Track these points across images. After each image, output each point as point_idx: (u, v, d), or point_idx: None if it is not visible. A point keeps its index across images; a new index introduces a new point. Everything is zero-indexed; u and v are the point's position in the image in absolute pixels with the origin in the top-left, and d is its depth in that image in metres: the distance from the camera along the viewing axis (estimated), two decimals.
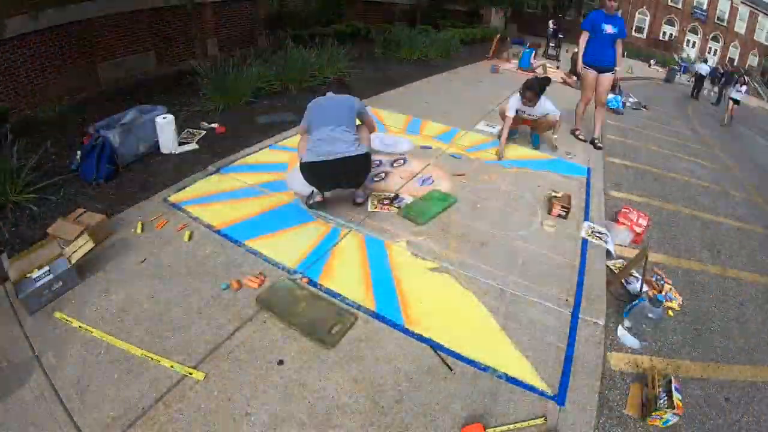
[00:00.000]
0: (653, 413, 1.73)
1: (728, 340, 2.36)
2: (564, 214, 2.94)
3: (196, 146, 3.72)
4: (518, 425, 1.56)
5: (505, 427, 1.55)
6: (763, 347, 2.36)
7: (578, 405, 1.66)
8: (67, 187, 3.00)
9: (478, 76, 7.73)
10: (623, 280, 2.56)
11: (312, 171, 2.55)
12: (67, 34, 5.16)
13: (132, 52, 6.06)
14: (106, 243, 2.37)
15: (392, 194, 3.04)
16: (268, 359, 1.74)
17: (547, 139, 4.28)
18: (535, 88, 3.77)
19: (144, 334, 1.82)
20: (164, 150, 3.60)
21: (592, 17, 4.35)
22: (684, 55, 18.93)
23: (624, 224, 3.06)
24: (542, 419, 1.59)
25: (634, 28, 26.15)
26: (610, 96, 7.37)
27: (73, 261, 2.12)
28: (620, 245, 2.94)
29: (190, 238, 2.43)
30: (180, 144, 3.68)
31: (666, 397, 1.73)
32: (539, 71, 8.88)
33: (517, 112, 3.93)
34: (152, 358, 1.69)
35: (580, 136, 4.65)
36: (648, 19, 26.27)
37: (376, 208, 2.86)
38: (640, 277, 2.50)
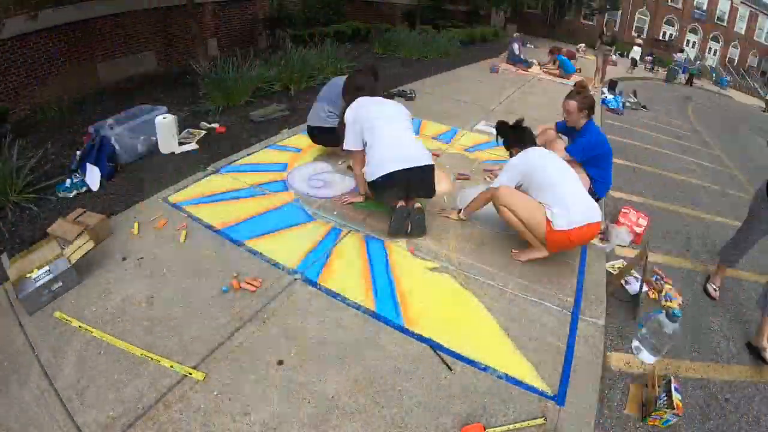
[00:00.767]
0: (653, 413, 1.73)
1: (728, 340, 2.36)
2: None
3: (196, 146, 3.72)
4: (518, 425, 1.56)
5: (505, 427, 1.55)
6: None
7: (578, 405, 1.66)
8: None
9: (478, 76, 7.74)
10: (623, 281, 2.56)
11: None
12: (67, 34, 5.17)
13: (132, 52, 6.07)
14: (106, 243, 2.37)
15: None
16: (268, 359, 1.74)
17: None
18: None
19: (144, 334, 1.82)
20: (164, 150, 3.60)
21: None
22: (684, 56, 18.94)
23: (624, 224, 3.06)
24: (542, 419, 1.59)
25: (634, 28, 26.17)
26: (610, 96, 7.39)
27: (73, 261, 2.12)
28: (620, 245, 2.94)
29: (186, 238, 2.43)
30: (180, 144, 3.68)
31: (666, 397, 1.73)
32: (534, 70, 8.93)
33: None
34: (152, 358, 1.69)
35: None
36: (648, 19, 26.29)
37: None
38: (640, 277, 2.50)
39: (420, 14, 11.54)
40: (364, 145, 2.53)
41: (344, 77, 3.02)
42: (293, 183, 3.11)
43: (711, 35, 26.32)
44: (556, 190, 2.27)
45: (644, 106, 7.74)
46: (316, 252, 2.39)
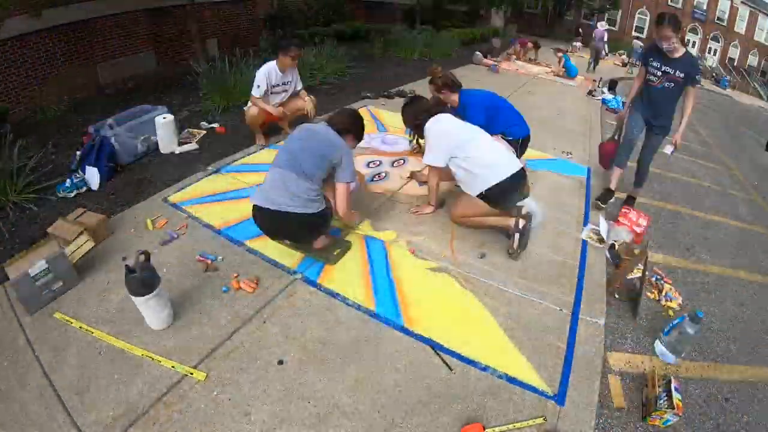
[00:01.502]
0: (653, 413, 1.73)
1: (728, 340, 2.36)
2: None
3: (196, 146, 3.72)
4: (518, 425, 1.56)
5: (504, 427, 1.55)
6: (763, 347, 2.36)
7: (578, 405, 1.66)
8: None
9: (477, 76, 7.73)
10: (624, 280, 2.55)
11: (255, 214, 2.18)
12: (67, 34, 5.17)
13: (132, 52, 6.07)
14: (106, 243, 2.37)
15: None
16: (268, 359, 1.74)
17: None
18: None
19: (144, 334, 1.82)
20: (164, 150, 3.60)
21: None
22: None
23: (624, 224, 3.06)
24: (542, 419, 1.59)
25: (634, 28, 26.16)
26: (610, 96, 7.38)
27: (74, 261, 2.12)
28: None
29: (153, 225, 2.53)
30: (180, 144, 3.68)
31: (666, 397, 1.73)
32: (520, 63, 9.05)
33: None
34: (153, 358, 1.69)
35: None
36: (648, 19, 26.27)
37: None
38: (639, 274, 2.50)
39: (420, 14, 11.53)
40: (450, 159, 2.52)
41: (328, 127, 2.28)
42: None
43: (711, 35, 26.30)
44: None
45: None
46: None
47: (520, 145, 3.28)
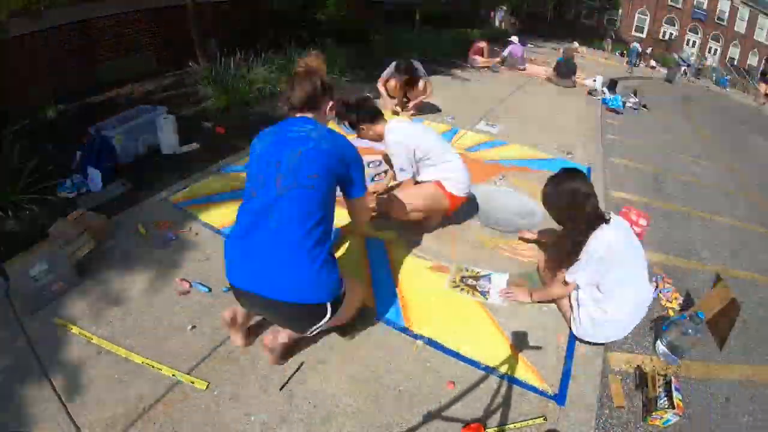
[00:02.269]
0: (653, 413, 1.73)
1: (728, 339, 2.36)
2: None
3: (197, 146, 3.72)
4: (518, 425, 1.56)
5: (504, 427, 1.55)
6: (763, 347, 2.36)
7: (578, 405, 1.66)
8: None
9: (478, 76, 7.74)
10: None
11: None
12: (68, 35, 5.17)
13: (132, 52, 6.06)
14: (107, 243, 2.37)
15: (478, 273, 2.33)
16: (268, 359, 1.73)
17: None
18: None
19: (144, 334, 1.82)
20: (165, 150, 3.60)
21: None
22: (684, 54, 18.94)
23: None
24: (542, 419, 1.59)
25: (634, 28, 26.17)
26: (610, 96, 7.37)
27: (74, 261, 2.13)
28: None
29: (146, 230, 2.47)
30: (180, 144, 3.68)
31: (666, 397, 1.73)
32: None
33: None
34: (153, 366, 1.68)
35: None
36: (648, 18, 26.28)
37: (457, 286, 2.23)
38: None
39: (421, 14, 11.52)
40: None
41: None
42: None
43: (711, 35, 26.30)
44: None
45: (644, 106, 7.72)
46: None
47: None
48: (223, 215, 2.66)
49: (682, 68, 15.75)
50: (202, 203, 2.79)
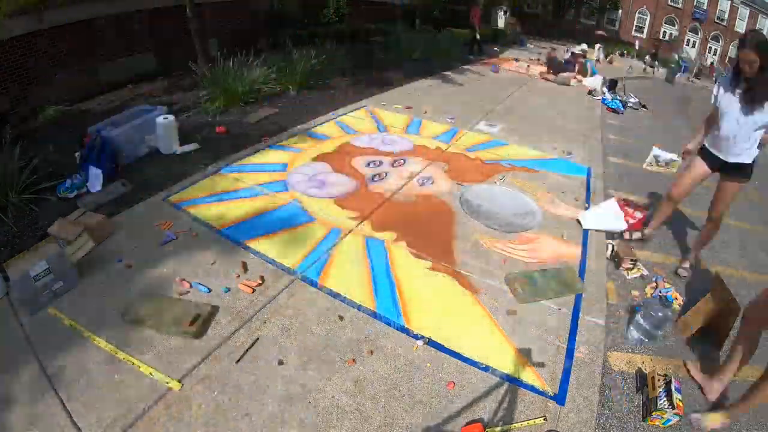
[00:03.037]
0: (653, 413, 1.73)
1: (728, 339, 2.35)
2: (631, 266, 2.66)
3: (197, 146, 3.72)
4: (518, 425, 1.56)
5: (505, 427, 1.55)
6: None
7: (578, 405, 1.66)
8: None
9: (478, 76, 7.74)
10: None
11: None
12: (68, 35, 5.17)
13: (132, 52, 6.07)
14: (107, 243, 2.37)
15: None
16: (268, 359, 1.74)
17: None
18: None
19: (143, 334, 1.82)
20: (164, 150, 3.60)
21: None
22: (684, 54, 18.87)
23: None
24: (542, 419, 1.59)
25: (634, 28, 26.17)
26: (610, 96, 7.37)
27: (74, 261, 2.13)
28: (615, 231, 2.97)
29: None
30: (180, 144, 3.68)
31: (666, 397, 1.73)
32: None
33: None
34: (152, 375, 1.68)
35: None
36: (648, 18, 26.27)
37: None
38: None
39: (421, 14, 11.53)
40: None
41: None
42: (293, 183, 3.11)
43: (711, 35, 26.29)
44: None
45: (644, 106, 7.72)
46: (316, 252, 2.39)
47: None
48: (223, 215, 2.66)
49: (682, 67, 15.67)
50: (201, 203, 2.79)
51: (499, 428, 1.55)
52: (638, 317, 2.14)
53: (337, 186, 3.12)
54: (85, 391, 1.58)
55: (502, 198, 3.19)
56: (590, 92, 7.58)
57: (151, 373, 1.65)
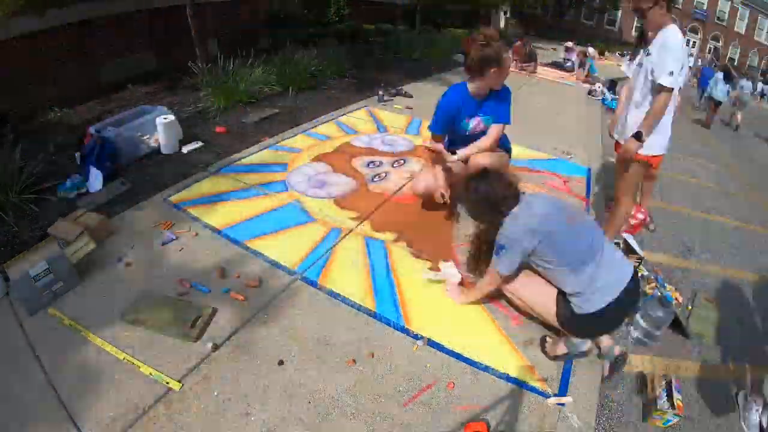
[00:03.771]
0: (654, 413, 1.73)
1: (728, 339, 2.36)
2: None
3: (197, 146, 3.72)
4: (518, 425, 1.56)
5: (505, 427, 1.55)
6: (764, 347, 2.36)
7: (578, 405, 1.66)
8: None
9: None
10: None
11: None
12: (69, 35, 5.17)
13: (132, 52, 6.07)
14: (107, 243, 2.37)
15: None
16: (268, 359, 1.74)
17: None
18: None
19: (144, 334, 1.82)
20: (165, 150, 3.60)
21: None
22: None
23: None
24: (542, 419, 1.59)
25: (633, 28, 26.18)
26: (609, 96, 7.37)
27: (74, 261, 2.12)
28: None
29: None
30: (180, 144, 3.68)
31: (666, 398, 1.73)
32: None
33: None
34: (151, 374, 1.68)
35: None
36: None
37: None
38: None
39: (420, 14, 11.53)
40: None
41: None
42: (293, 183, 3.11)
43: (711, 35, 26.32)
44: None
45: None
46: (316, 252, 2.39)
47: None
48: (223, 216, 2.66)
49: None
50: (202, 203, 2.79)
51: (499, 429, 1.54)
52: (638, 317, 2.14)
53: (337, 186, 3.12)
54: (85, 391, 1.58)
55: None
56: (590, 92, 7.59)
57: (151, 373, 1.65)
